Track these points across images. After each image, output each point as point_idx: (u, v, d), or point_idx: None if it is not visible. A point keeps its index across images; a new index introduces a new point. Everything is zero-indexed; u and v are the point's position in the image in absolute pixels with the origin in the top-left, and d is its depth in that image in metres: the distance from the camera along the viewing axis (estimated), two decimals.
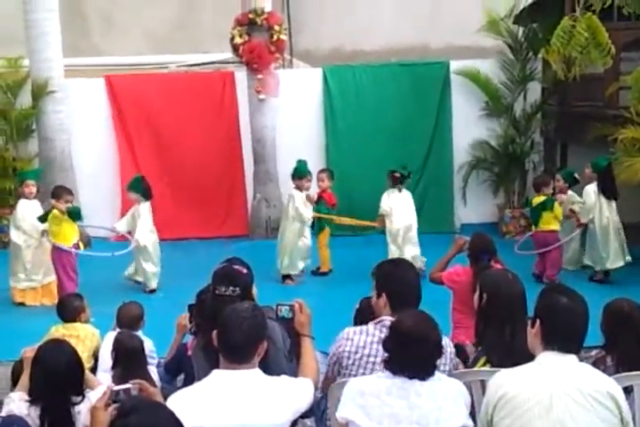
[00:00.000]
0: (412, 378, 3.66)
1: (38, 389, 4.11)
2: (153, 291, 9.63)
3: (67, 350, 4.25)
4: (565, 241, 9.75)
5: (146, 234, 9.59)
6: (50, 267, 9.11)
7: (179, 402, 3.58)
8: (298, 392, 3.79)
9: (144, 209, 9.61)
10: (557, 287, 3.64)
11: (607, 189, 9.45)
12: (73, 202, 9.28)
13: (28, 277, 9.18)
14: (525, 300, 4.65)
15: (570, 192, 9.89)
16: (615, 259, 9.52)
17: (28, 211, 9.16)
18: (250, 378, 3.68)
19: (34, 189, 9.23)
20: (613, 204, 9.54)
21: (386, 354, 3.81)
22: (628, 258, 9.56)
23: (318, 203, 10.14)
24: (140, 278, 9.76)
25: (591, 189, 9.51)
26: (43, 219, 9.00)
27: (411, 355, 3.67)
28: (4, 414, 4.12)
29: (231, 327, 3.70)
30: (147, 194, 9.64)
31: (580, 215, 9.56)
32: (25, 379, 4.29)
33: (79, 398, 4.15)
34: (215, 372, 3.72)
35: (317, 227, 10.14)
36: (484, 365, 4.47)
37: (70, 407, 4.11)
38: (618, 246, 9.54)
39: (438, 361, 3.80)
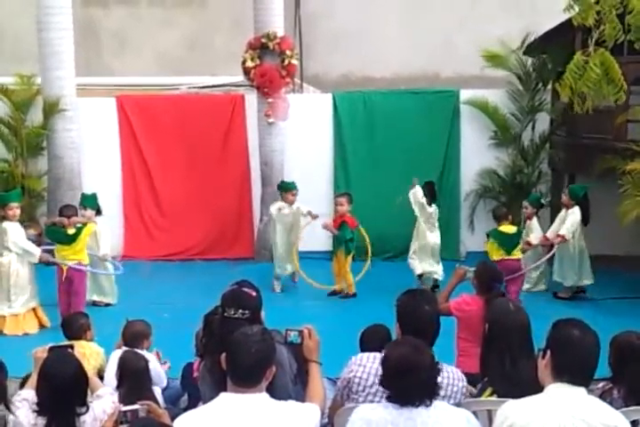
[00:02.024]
0: (404, 405, 3.62)
1: (45, 400, 4.13)
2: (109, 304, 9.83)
3: (71, 362, 4.28)
4: (537, 265, 10.22)
5: (109, 249, 9.68)
6: (32, 292, 8.99)
7: (186, 424, 3.58)
8: (304, 418, 3.77)
9: (104, 225, 9.68)
10: (570, 320, 3.63)
11: (586, 216, 10.04)
12: None
13: (10, 304, 8.91)
14: (529, 330, 4.66)
15: (534, 219, 10.39)
16: (587, 277, 10.26)
17: (13, 233, 8.88)
18: (257, 402, 3.67)
19: (17, 212, 8.96)
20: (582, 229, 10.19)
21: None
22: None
23: (342, 228, 10.11)
24: (98, 298, 9.79)
25: (578, 210, 9.98)
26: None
27: (401, 385, 3.64)
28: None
29: (240, 351, 3.69)
30: (100, 210, 9.69)
31: (566, 233, 9.89)
32: (34, 378, 4.35)
33: (84, 409, 4.18)
34: (223, 395, 3.71)
35: (345, 251, 10.14)
36: (490, 395, 4.46)
37: (75, 418, 4.14)
38: (588, 267, 10.26)
39: (443, 392, 3.77)
